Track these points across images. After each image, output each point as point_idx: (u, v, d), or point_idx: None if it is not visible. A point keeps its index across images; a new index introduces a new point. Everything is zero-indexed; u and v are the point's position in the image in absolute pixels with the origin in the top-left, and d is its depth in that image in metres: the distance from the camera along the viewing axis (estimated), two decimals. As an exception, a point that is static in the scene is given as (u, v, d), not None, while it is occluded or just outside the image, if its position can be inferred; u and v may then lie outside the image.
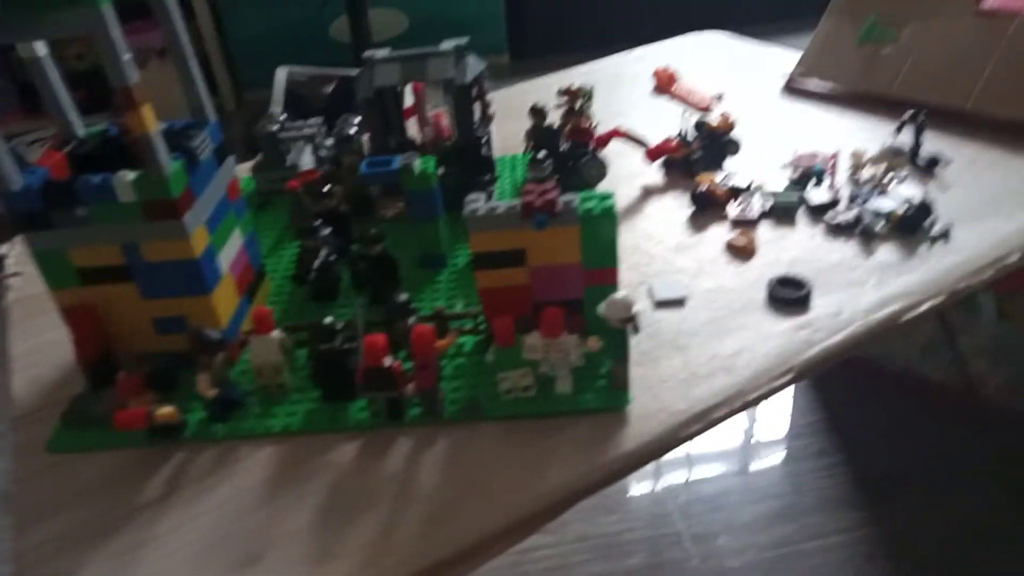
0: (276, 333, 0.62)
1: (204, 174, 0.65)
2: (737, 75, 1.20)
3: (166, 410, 0.59)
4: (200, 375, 0.60)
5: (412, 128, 0.95)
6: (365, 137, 0.92)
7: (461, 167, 0.83)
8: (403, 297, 0.65)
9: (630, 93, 1.20)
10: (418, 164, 0.75)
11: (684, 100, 1.13)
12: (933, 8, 1.00)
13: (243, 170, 1.00)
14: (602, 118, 1.00)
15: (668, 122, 1.03)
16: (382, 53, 0.85)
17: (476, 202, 0.62)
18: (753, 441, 1.33)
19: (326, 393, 0.62)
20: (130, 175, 0.59)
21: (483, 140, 0.86)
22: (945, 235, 0.76)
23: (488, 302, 0.65)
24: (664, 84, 1.18)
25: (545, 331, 0.59)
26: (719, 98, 1.12)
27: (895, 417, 1.32)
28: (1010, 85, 0.92)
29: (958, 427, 1.26)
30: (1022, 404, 1.20)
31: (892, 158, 0.87)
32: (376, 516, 0.53)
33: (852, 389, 1.37)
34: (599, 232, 0.62)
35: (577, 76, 1.25)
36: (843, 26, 1.09)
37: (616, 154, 0.94)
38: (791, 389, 1.38)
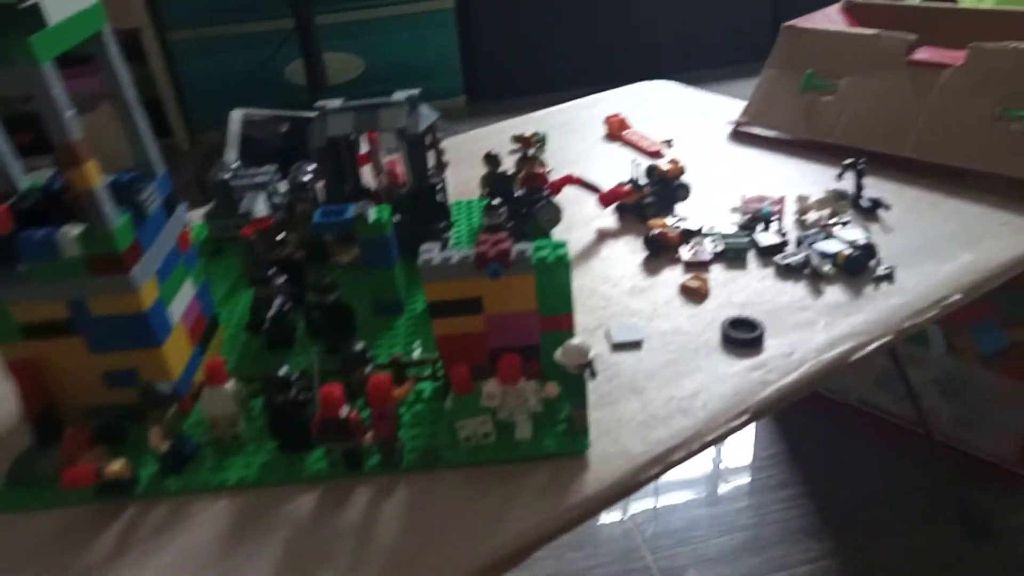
0: (230, 384, 0.61)
1: (153, 226, 0.64)
2: (685, 122, 1.24)
3: (115, 466, 0.57)
4: (152, 429, 0.58)
5: (367, 176, 0.96)
6: (320, 184, 0.92)
7: (416, 214, 0.84)
8: (359, 346, 0.65)
9: (583, 139, 1.22)
10: (372, 212, 0.75)
11: (635, 146, 1.16)
12: (867, 61, 1.05)
13: (196, 216, 0.99)
14: (555, 164, 1.02)
15: (620, 168, 1.06)
16: (335, 103, 0.86)
17: (430, 252, 0.63)
18: (718, 473, 1.34)
19: (282, 444, 0.61)
20: (74, 230, 0.58)
21: (437, 187, 0.87)
22: (889, 276, 0.78)
23: (445, 350, 0.65)
24: (615, 130, 1.21)
25: (503, 378, 0.60)
26: (669, 144, 1.15)
27: (853, 449, 1.34)
28: (943, 133, 0.97)
29: (914, 459, 1.29)
30: (969, 437, 1.24)
31: (836, 202, 0.91)
32: (335, 570, 0.52)
33: (811, 422, 1.39)
34: (553, 280, 0.63)
35: (531, 122, 1.27)
36: (784, 76, 1.13)
37: (570, 200, 0.95)
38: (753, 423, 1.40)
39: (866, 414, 1.35)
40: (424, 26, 3.08)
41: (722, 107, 1.28)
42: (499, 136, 1.18)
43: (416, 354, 0.70)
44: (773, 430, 1.41)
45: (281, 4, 2.56)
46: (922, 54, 1.02)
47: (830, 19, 1.23)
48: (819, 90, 1.09)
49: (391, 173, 0.96)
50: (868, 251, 0.80)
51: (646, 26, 3.33)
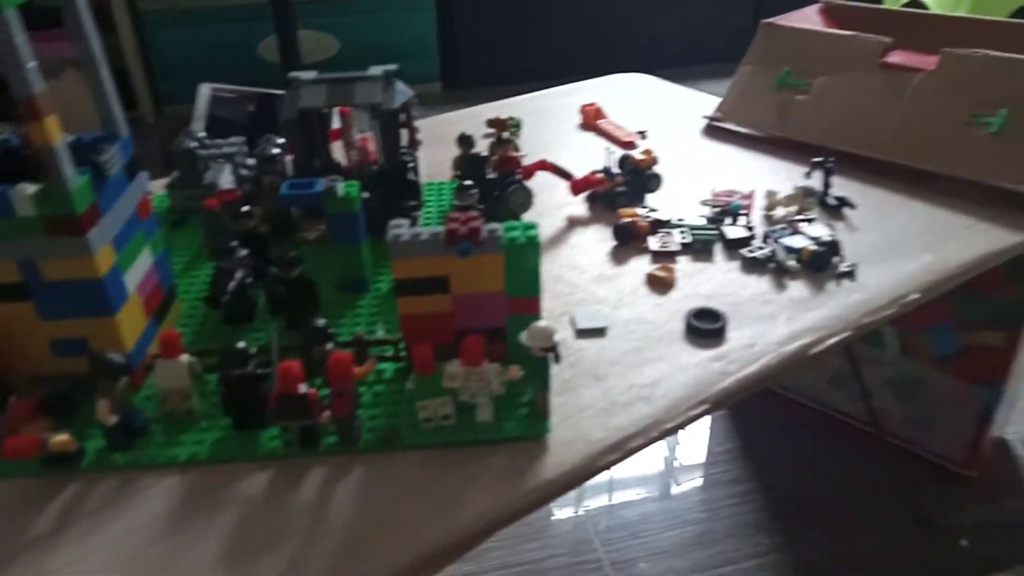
0: (184, 357, 0.60)
1: (112, 190, 0.62)
2: (660, 115, 1.24)
3: (61, 437, 0.55)
4: (100, 400, 0.56)
5: (338, 151, 0.94)
6: (288, 158, 0.90)
7: (386, 192, 0.83)
8: (321, 322, 0.64)
9: (558, 127, 1.22)
10: (341, 187, 0.74)
11: (609, 135, 1.16)
12: (841, 61, 1.06)
13: (159, 186, 0.97)
14: (529, 150, 1.01)
15: (593, 156, 1.05)
16: (309, 75, 0.84)
17: (400, 228, 0.62)
18: (672, 468, 1.35)
19: (237, 421, 0.60)
20: (30, 188, 0.56)
21: (409, 165, 0.86)
22: (851, 273, 0.79)
23: (409, 329, 0.64)
24: (590, 119, 1.21)
25: (466, 359, 0.59)
26: (643, 135, 1.15)
27: (807, 447, 1.36)
28: (913, 136, 0.98)
29: (865, 457, 1.31)
30: (919, 437, 1.26)
31: (804, 199, 0.91)
32: (286, 551, 0.51)
33: (766, 418, 1.41)
34: (522, 261, 0.62)
35: (507, 108, 1.26)
36: (760, 73, 1.14)
37: (542, 186, 0.95)
38: (709, 418, 1.41)
39: (820, 413, 1.37)
40: (402, 9, 3.05)
41: (698, 102, 1.28)
42: (474, 119, 1.17)
43: (379, 334, 0.69)
44: (729, 427, 1.42)
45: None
46: (896, 57, 1.03)
47: (808, 19, 1.24)
48: (793, 88, 1.10)
49: (363, 150, 0.94)
50: (832, 248, 0.80)
51: (629, 20, 3.33)
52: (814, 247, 0.80)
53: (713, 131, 1.17)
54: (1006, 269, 0.87)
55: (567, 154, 1.08)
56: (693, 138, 1.16)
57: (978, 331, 1.07)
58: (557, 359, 0.59)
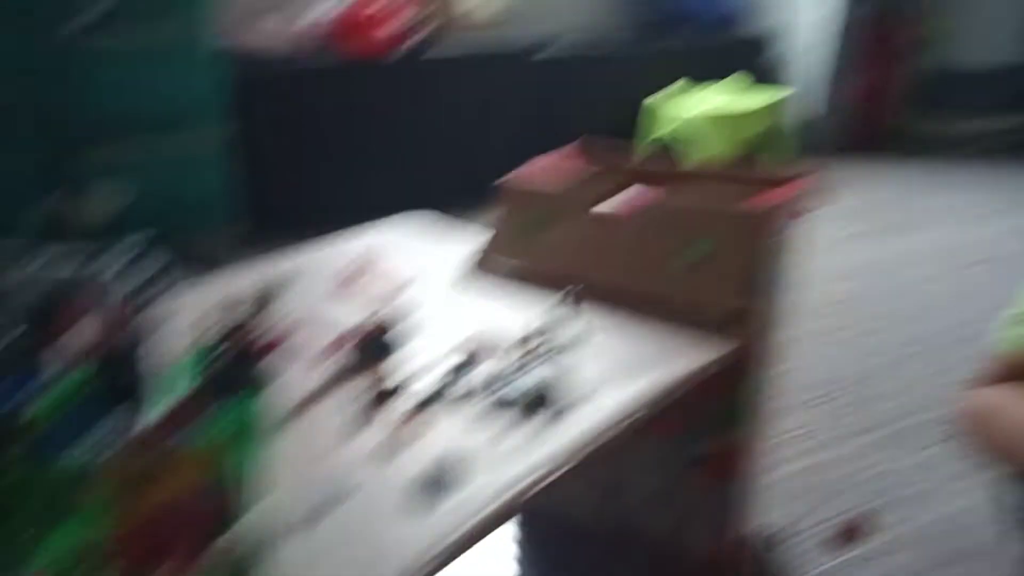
0: None
1: None
2: (437, 256, 1.30)
3: None
4: None
5: (80, 332, 0.90)
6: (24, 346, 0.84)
7: (108, 382, 0.79)
8: (18, 548, 0.59)
9: (322, 284, 1.20)
10: (62, 384, 0.70)
11: (371, 291, 1.18)
12: (562, 212, 1.20)
13: None
14: (290, 311, 1.01)
15: (351, 315, 1.06)
16: (48, 252, 0.82)
17: (113, 424, 0.60)
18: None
19: None
20: None
21: (141, 351, 0.83)
22: (585, 399, 0.86)
23: (118, 543, 0.60)
24: (356, 274, 1.22)
25: (175, 568, 0.57)
26: (405, 286, 1.17)
27: (587, 565, 1.37)
28: (633, 268, 1.11)
29: (635, 566, 1.34)
30: (683, 540, 1.31)
31: (545, 333, 0.98)
32: None
33: (548, 545, 1.41)
34: (242, 449, 0.62)
35: (281, 264, 1.26)
36: (509, 219, 1.24)
37: (291, 352, 0.94)
38: (507, 550, 1.40)
39: (595, 530, 1.39)
40: (195, 157, 3.01)
41: (474, 241, 1.34)
42: (240, 283, 1.15)
43: (80, 551, 0.64)
44: (518, 556, 1.40)
45: (35, 137, 2.40)
46: (619, 199, 1.17)
47: (569, 154, 1.38)
48: (535, 232, 1.20)
49: (101, 333, 0.91)
50: (565, 381, 0.87)
51: (440, 158, 3.48)
52: (545, 382, 0.86)
53: (479, 270, 1.23)
54: (723, 377, 0.97)
55: (328, 312, 1.08)
56: (459, 279, 1.21)
57: (717, 435, 1.17)
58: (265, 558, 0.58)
